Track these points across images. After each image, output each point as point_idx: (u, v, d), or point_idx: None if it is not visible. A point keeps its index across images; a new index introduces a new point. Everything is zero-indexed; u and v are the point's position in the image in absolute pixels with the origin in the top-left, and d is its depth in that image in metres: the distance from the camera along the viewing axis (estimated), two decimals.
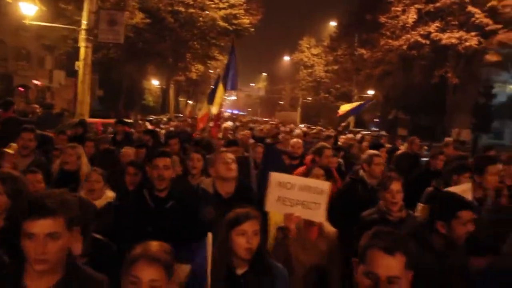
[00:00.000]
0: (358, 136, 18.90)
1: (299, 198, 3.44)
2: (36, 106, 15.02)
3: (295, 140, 7.83)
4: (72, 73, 36.46)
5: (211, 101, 10.10)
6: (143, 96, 45.63)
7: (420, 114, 42.23)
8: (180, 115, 37.16)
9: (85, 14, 15.70)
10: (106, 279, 2.31)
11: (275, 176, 3.52)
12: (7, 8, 26.64)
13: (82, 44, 15.71)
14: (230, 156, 3.88)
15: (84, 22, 15.64)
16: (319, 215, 3.45)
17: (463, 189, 4.21)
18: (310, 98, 59.79)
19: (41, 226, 1.95)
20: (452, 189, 4.17)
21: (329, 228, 3.66)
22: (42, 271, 1.99)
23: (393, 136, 33.15)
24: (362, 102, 18.59)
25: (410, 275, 1.98)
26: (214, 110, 9.66)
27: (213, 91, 10.48)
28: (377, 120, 49.14)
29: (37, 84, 40.04)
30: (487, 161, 4.61)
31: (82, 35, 15.68)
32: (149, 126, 16.89)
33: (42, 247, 1.94)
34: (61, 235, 2.00)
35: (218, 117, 10.19)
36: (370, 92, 43.60)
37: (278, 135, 12.38)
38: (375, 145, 8.22)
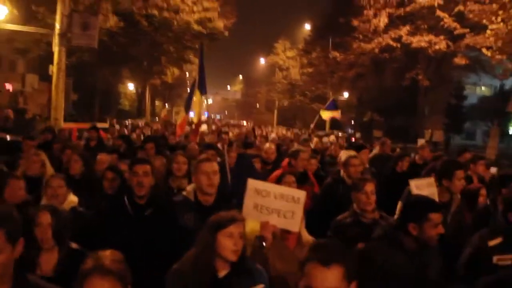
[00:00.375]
0: (332, 137, 19.29)
1: (275, 206, 3.39)
2: (10, 111, 14.91)
3: (267, 145, 7.96)
4: (45, 77, 36.01)
5: (188, 108, 10.31)
6: (119, 100, 45.34)
7: (395, 116, 43.16)
8: (156, 118, 37.14)
9: (58, 17, 15.60)
10: None
11: (252, 183, 3.48)
12: None
13: (55, 48, 15.61)
14: (212, 167, 3.75)
15: (57, 26, 15.55)
16: (294, 225, 3.39)
17: (430, 189, 4.43)
18: (286, 101, 60.27)
19: None
20: (419, 186, 4.42)
21: (307, 237, 3.63)
22: None
23: (368, 137, 33.92)
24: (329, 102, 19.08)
25: (353, 285, 1.97)
26: (195, 119, 9.73)
27: (190, 98, 10.59)
28: (353, 122, 49.96)
29: (8, 89, 39.47)
30: (455, 166, 4.65)
31: (56, 39, 15.59)
32: (126, 131, 16.93)
33: None
34: (2, 249, 1.96)
35: (199, 123, 10.16)
36: (345, 94, 44.44)
37: (249, 140, 12.59)
38: (357, 146, 8.24)
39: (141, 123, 25.10)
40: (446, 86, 37.15)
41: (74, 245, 3.19)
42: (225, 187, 4.39)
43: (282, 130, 34.53)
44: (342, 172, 5.63)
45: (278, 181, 4.86)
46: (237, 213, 2.80)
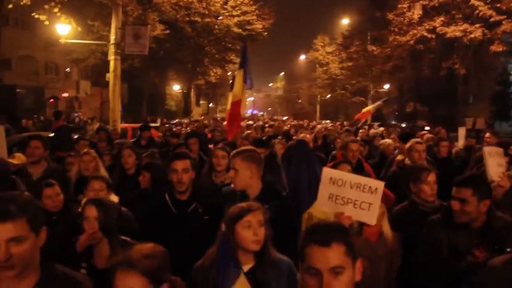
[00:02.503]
0: (381, 129, 19.86)
1: (350, 196, 3.19)
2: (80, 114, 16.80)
3: (302, 135, 8.50)
4: (96, 83, 38.92)
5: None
6: (165, 101, 47.49)
7: (438, 105, 42.92)
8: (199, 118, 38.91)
9: (112, 30, 17.43)
10: (88, 279, 2.28)
11: (327, 172, 3.32)
12: (35, 26, 28.78)
13: (111, 57, 17.43)
14: (232, 164, 3.61)
15: (112, 38, 17.36)
16: (371, 217, 3.16)
17: (500, 159, 4.65)
18: (328, 96, 60.79)
19: (1, 231, 1.87)
20: (491, 154, 4.64)
21: (389, 232, 3.34)
22: (13, 276, 1.92)
23: (413, 128, 34.10)
24: (377, 103, 19.69)
25: (358, 263, 1.94)
26: (241, 110, 9.47)
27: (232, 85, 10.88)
28: (396, 113, 49.87)
29: (65, 95, 42.43)
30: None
31: (111, 49, 17.40)
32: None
33: (4, 253, 1.85)
34: (26, 238, 1.91)
35: (239, 119, 9.74)
36: (386, 86, 44.74)
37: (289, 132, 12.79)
38: (405, 135, 7.76)
39: (186, 121, 26.68)
40: (489, 74, 36.85)
41: (125, 238, 3.20)
42: (273, 180, 4.32)
43: (326, 124, 35.26)
44: (406, 160, 5.51)
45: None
46: (253, 203, 2.74)
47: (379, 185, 3.20)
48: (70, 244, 3.25)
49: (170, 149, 7.72)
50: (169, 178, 3.81)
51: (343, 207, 3.19)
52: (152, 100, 39.95)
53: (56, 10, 15.43)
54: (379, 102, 20.45)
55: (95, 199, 3.34)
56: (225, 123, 11.19)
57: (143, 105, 37.07)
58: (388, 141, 9.08)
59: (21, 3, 14.39)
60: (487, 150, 4.65)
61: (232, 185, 3.72)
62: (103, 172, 5.42)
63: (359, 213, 3.16)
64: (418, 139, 6.39)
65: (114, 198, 4.21)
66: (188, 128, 17.35)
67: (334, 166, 4.73)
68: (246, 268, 2.64)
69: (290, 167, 4.76)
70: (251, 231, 2.59)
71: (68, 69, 41.68)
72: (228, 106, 9.30)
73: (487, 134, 8.91)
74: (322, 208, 3.34)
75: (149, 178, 5.02)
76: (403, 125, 34.84)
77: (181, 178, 3.67)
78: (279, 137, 9.43)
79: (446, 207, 3.39)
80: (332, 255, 1.87)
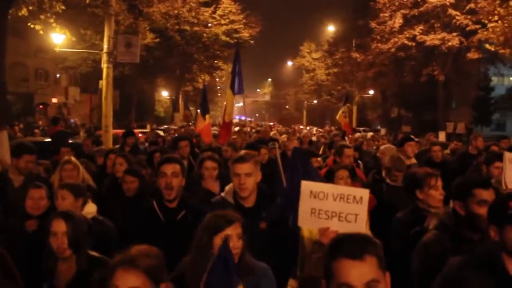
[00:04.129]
0: (370, 134, 20.22)
1: (334, 209, 2.98)
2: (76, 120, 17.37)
3: (305, 131, 8.88)
4: (85, 89, 39.45)
5: (205, 111, 10.47)
6: (154, 107, 48.14)
7: (422, 111, 44.18)
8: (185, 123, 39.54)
9: (105, 39, 18.14)
10: None
11: (306, 185, 3.07)
12: (26, 33, 29.34)
13: (104, 65, 18.12)
14: (242, 169, 3.34)
15: (105, 46, 18.07)
16: (359, 229, 2.90)
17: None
18: (315, 101, 61.84)
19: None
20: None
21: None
22: None
23: (395, 133, 35.14)
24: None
25: (387, 276, 1.84)
26: (226, 118, 9.54)
27: (205, 102, 11.04)
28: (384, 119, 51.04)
29: (54, 102, 42.85)
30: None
31: (104, 58, 18.09)
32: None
33: None
34: None
35: (230, 124, 9.88)
36: (370, 92, 45.95)
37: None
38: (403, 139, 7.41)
39: (174, 127, 27.19)
40: (470, 80, 38.17)
41: (93, 253, 3.01)
42: (271, 187, 4.22)
43: (312, 129, 35.90)
44: (384, 174, 5.40)
45: (329, 176, 4.71)
46: (233, 213, 2.64)
47: (364, 193, 2.99)
48: (36, 262, 3.10)
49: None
50: (157, 183, 3.64)
51: (328, 222, 2.98)
52: (141, 106, 40.58)
53: (51, 20, 16.12)
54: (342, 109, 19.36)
55: (64, 212, 3.07)
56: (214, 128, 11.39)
57: (132, 111, 37.71)
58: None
59: (19, 14, 15.02)
60: (508, 155, 4.39)
61: (223, 194, 3.60)
62: (88, 179, 5.33)
63: (346, 226, 2.92)
64: (346, 143, 6.74)
65: (91, 207, 4.03)
66: (175, 134, 17.39)
67: (331, 172, 4.75)
68: None
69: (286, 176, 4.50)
70: (230, 244, 2.45)
71: (58, 76, 42.15)
72: (222, 112, 9.57)
73: (504, 140, 9.32)
74: (304, 225, 3.14)
75: (136, 186, 4.91)
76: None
77: (170, 182, 3.46)
78: (271, 142, 9.09)
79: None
80: (367, 269, 1.76)
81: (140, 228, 3.54)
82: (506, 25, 17.61)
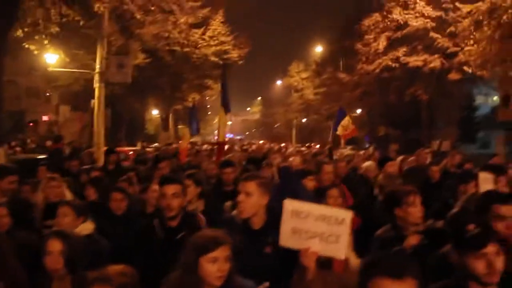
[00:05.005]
0: (361, 152, 20.34)
1: (316, 229, 2.91)
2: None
3: (291, 149, 9.16)
4: (76, 107, 39.83)
5: (195, 132, 10.83)
6: (145, 126, 48.59)
7: (408, 129, 45.11)
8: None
9: (98, 60, 18.75)
10: None
11: (289, 204, 3.01)
12: (17, 51, 29.81)
13: (96, 85, 18.70)
14: (243, 187, 3.26)
15: (97, 67, 18.67)
16: (340, 250, 2.90)
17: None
18: (304, 120, 62.64)
19: None
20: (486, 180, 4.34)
21: (355, 261, 3.09)
22: None
23: (383, 151, 35.77)
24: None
25: None
26: (220, 138, 9.66)
27: (194, 121, 11.31)
28: (367, 138, 51.94)
29: (45, 120, 43.22)
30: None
31: (96, 77, 18.68)
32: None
33: None
34: None
35: (224, 143, 9.96)
36: (358, 111, 46.85)
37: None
38: (383, 159, 7.55)
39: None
40: (453, 99, 39.27)
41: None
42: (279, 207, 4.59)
43: (301, 147, 36.34)
44: (376, 191, 5.43)
45: (320, 195, 4.66)
46: (222, 234, 2.59)
47: (347, 215, 2.91)
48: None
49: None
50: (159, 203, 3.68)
51: (308, 242, 2.90)
52: (131, 124, 41.04)
53: (46, 42, 16.70)
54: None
55: (60, 231, 3.09)
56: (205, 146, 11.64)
57: (123, 129, 38.15)
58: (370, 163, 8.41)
59: (15, 35, 15.55)
60: (482, 176, 4.42)
61: (236, 212, 3.52)
62: (69, 197, 5.24)
63: (327, 247, 2.89)
64: (324, 160, 6.75)
65: (89, 225, 3.99)
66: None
67: (322, 191, 4.73)
68: None
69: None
70: (216, 266, 2.48)
71: (48, 93, 42.55)
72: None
73: (452, 152, 9.53)
74: (286, 245, 3.04)
75: (125, 204, 4.99)
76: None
77: (170, 203, 3.47)
78: (264, 161, 8.72)
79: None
80: None
81: (137, 245, 3.58)
82: (481, 48, 18.52)
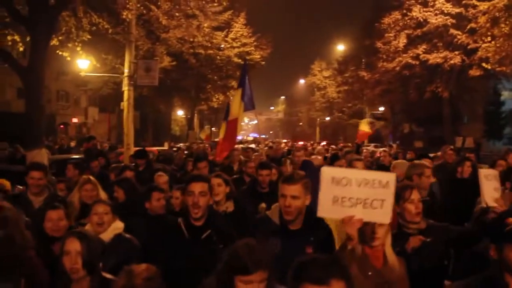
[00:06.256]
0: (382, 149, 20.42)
1: (359, 195, 2.81)
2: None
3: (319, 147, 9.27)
4: (104, 109, 41.20)
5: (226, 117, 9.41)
6: (170, 126, 49.76)
7: (433, 125, 45.06)
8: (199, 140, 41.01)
9: (126, 64, 19.73)
10: None
11: (328, 171, 2.89)
12: (49, 58, 31.14)
13: (125, 88, 19.67)
14: (290, 190, 3.16)
15: (126, 71, 19.64)
16: (385, 216, 2.81)
17: (496, 182, 4.11)
18: (328, 118, 62.94)
19: None
20: (488, 177, 4.07)
21: (393, 257, 2.93)
22: None
23: (406, 148, 35.81)
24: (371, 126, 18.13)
25: None
26: (237, 131, 9.00)
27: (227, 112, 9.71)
28: (391, 135, 51.92)
29: (75, 122, 44.78)
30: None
31: (125, 81, 19.64)
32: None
33: None
34: None
35: (235, 137, 9.39)
36: (381, 109, 47.02)
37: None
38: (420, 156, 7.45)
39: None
40: (475, 95, 39.11)
41: (107, 275, 2.91)
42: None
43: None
44: None
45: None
46: (262, 255, 2.34)
47: (391, 177, 2.85)
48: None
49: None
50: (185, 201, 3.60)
51: (352, 210, 2.80)
52: (157, 125, 42.20)
53: (78, 48, 17.75)
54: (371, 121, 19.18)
55: (78, 231, 3.04)
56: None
57: (149, 130, 39.35)
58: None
59: (51, 43, 16.62)
60: (483, 172, 4.28)
61: (268, 213, 3.48)
62: (104, 197, 5.16)
63: (371, 213, 2.80)
64: (357, 156, 6.54)
65: (119, 224, 4.02)
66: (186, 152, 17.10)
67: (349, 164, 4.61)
68: None
69: None
70: (250, 287, 2.28)
71: (76, 97, 44.06)
72: (223, 127, 9.00)
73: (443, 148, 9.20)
74: (326, 216, 2.97)
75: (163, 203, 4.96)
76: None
77: (198, 201, 3.41)
78: (283, 159, 8.54)
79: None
80: None
81: (163, 244, 3.51)
82: (498, 45, 18.79)
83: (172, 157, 12.80)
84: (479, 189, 4.09)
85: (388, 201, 2.81)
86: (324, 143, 35.24)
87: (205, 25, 24.12)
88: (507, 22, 18.35)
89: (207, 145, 19.33)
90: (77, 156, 13.55)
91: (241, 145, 19.76)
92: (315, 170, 3.92)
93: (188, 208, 3.46)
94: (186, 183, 3.59)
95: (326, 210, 2.87)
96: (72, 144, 24.39)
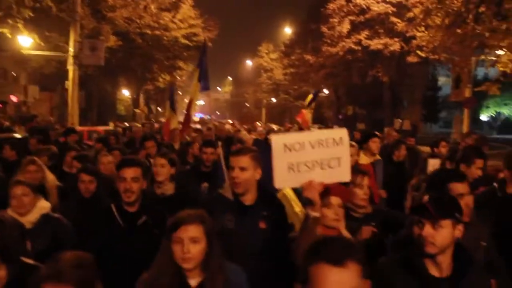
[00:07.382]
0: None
1: (315, 157, 2.72)
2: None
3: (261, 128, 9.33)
4: (45, 88, 39.81)
5: (173, 109, 9.78)
6: (115, 106, 48.96)
7: (375, 108, 47.04)
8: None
9: (71, 43, 19.46)
10: None
11: (278, 139, 2.81)
12: None
13: (70, 67, 19.46)
14: (237, 161, 3.08)
15: (70, 50, 19.39)
16: (344, 173, 2.77)
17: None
18: (274, 100, 63.87)
19: None
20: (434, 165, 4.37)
21: (348, 235, 2.94)
22: None
23: (351, 130, 37.33)
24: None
25: (368, 285, 1.68)
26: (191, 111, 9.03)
27: (172, 100, 10.26)
28: (340, 116, 53.66)
29: (14, 100, 43.03)
30: (476, 154, 4.48)
31: (70, 60, 19.42)
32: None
33: None
34: None
35: (189, 120, 9.39)
36: (326, 91, 48.40)
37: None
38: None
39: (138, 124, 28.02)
40: (415, 80, 41.20)
41: (29, 261, 2.63)
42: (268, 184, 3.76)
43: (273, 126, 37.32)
44: None
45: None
46: (193, 214, 2.34)
47: (343, 133, 2.78)
48: None
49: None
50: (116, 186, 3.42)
51: (310, 174, 2.72)
52: (102, 104, 41.43)
53: (20, 25, 17.28)
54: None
55: None
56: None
57: (94, 109, 38.64)
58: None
59: None
60: (431, 162, 4.41)
61: (220, 190, 3.31)
62: (53, 180, 5.07)
63: (330, 173, 2.74)
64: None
65: (45, 203, 3.79)
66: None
67: None
68: (193, 283, 2.35)
69: None
70: (179, 247, 2.28)
71: (15, 74, 42.36)
72: (168, 107, 9.03)
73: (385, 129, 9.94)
74: (283, 185, 2.93)
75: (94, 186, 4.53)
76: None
77: (130, 187, 3.28)
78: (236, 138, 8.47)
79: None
80: (347, 278, 1.60)
81: (97, 231, 3.35)
82: (431, 35, 20.05)
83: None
84: (412, 172, 4.56)
85: (344, 158, 2.75)
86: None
87: (152, 6, 24.01)
88: (439, 14, 19.58)
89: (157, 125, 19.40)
90: (18, 136, 13.24)
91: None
92: (267, 148, 3.83)
93: (120, 193, 3.33)
94: (117, 168, 3.45)
95: (283, 180, 2.79)
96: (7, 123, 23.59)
